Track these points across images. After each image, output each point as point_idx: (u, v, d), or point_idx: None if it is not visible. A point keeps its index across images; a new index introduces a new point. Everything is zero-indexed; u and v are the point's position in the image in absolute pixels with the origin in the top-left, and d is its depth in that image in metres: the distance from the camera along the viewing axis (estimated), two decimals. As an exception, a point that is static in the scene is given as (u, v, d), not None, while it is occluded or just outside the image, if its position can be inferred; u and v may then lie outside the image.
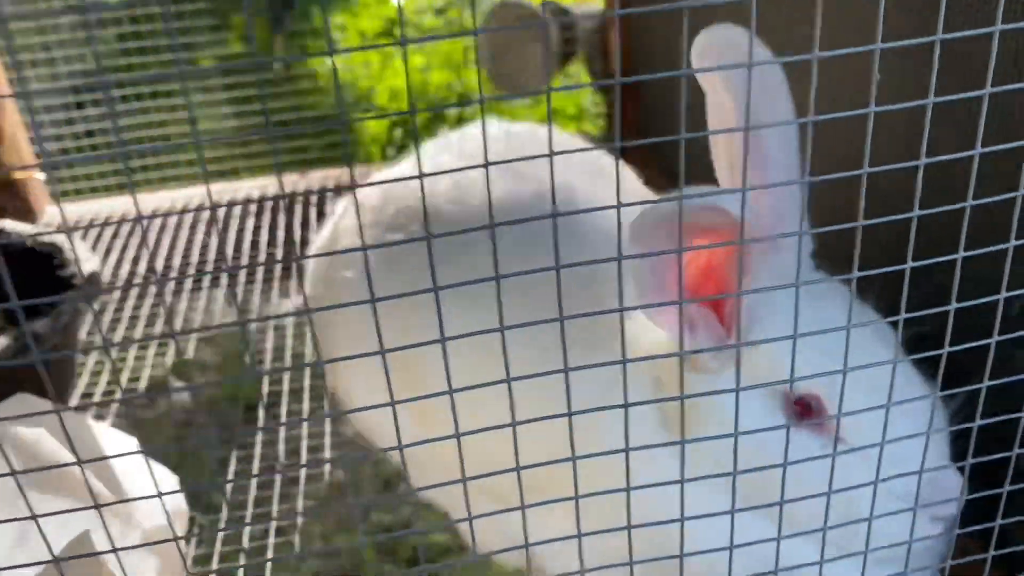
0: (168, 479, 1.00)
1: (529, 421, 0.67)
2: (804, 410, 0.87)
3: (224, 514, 1.43)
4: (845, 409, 0.85)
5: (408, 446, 0.65)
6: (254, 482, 1.46)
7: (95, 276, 1.50)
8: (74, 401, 1.62)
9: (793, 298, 0.89)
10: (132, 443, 1.02)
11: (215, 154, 2.50)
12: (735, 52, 0.90)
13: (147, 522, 0.90)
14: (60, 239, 1.60)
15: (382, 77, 3.15)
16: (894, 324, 0.93)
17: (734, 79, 0.87)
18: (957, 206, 0.65)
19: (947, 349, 0.71)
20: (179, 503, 0.99)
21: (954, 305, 0.69)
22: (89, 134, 2.50)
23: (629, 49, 2.32)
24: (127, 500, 0.57)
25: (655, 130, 2.11)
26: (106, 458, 0.54)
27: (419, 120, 3.00)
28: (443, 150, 1.28)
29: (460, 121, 2.82)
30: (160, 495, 0.59)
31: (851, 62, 0.62)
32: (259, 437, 1.56)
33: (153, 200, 2.34)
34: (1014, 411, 0.78)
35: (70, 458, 0.71)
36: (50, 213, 2.28)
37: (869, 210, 0.65)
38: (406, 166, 1.32)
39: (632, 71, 2.29)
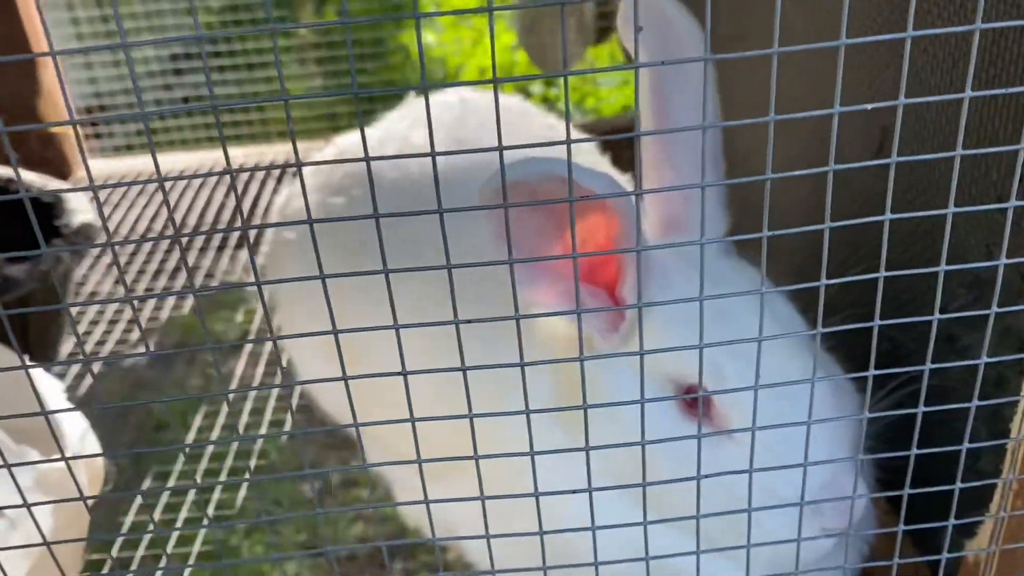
0: (82, 425, 1.01)
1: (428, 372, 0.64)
2: (694, 400, 0.82)
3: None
4: (731, 400, 0.81)
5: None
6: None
7: (86, 228, 1.54)
8: (64, 353, 1.67)
9: (691, 281, 0.85)
10: (57, 387, 1.05)
11: (296, 114, 2.54)
12: (654, 17, 0.86)
13: (43, 466, 0.92)
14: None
15: (473, 54, 3.12)
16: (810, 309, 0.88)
17: (649, 44, 0.84)
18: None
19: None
20: (91, 448, 1.01)
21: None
22: (185, 100, 2.57)
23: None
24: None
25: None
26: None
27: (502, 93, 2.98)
28: (401, 118, 1.27)
29: (545, 101, 2.80)
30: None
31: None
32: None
33: (195, 159, 2.37)
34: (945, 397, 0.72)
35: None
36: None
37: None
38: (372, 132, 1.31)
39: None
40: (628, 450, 0.76)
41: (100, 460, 1.03)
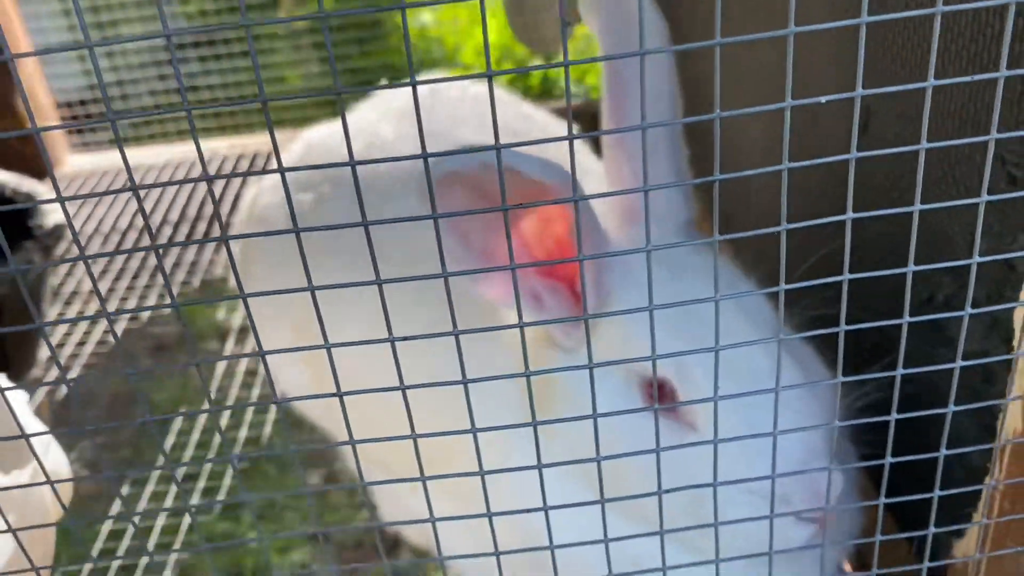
0: (48, 441, 1.00)
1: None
2: (660, 394, 0.80)
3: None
4: (696, 395, 0.78)
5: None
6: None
7: (60, 228, 1.52)
8: (42, 358, 1.65)
9: (653, 271, 0.82)
10: (22, 397, 1.03)
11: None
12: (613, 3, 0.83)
13: (4, 480, 0.90)
14: (37, 189, 1.63)
15: (471, 33, 3.05)
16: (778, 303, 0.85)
17: (603, 18, 0.81)
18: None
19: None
20: (58, 467, 0.99)
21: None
22: (177, 89, 2.56)
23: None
24: None
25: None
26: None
27: (502, 79, 2.93)
28: (371, 108, 1.24)
29: (545, 80, 2.75)
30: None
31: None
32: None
33: (171, 153, 2.35)
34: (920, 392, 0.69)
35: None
36: (71, 163, 2.33)
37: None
38: (332, 127, 1.28)
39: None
40: (593, 450, 0.74)
41: (67, 471, 1.01)
